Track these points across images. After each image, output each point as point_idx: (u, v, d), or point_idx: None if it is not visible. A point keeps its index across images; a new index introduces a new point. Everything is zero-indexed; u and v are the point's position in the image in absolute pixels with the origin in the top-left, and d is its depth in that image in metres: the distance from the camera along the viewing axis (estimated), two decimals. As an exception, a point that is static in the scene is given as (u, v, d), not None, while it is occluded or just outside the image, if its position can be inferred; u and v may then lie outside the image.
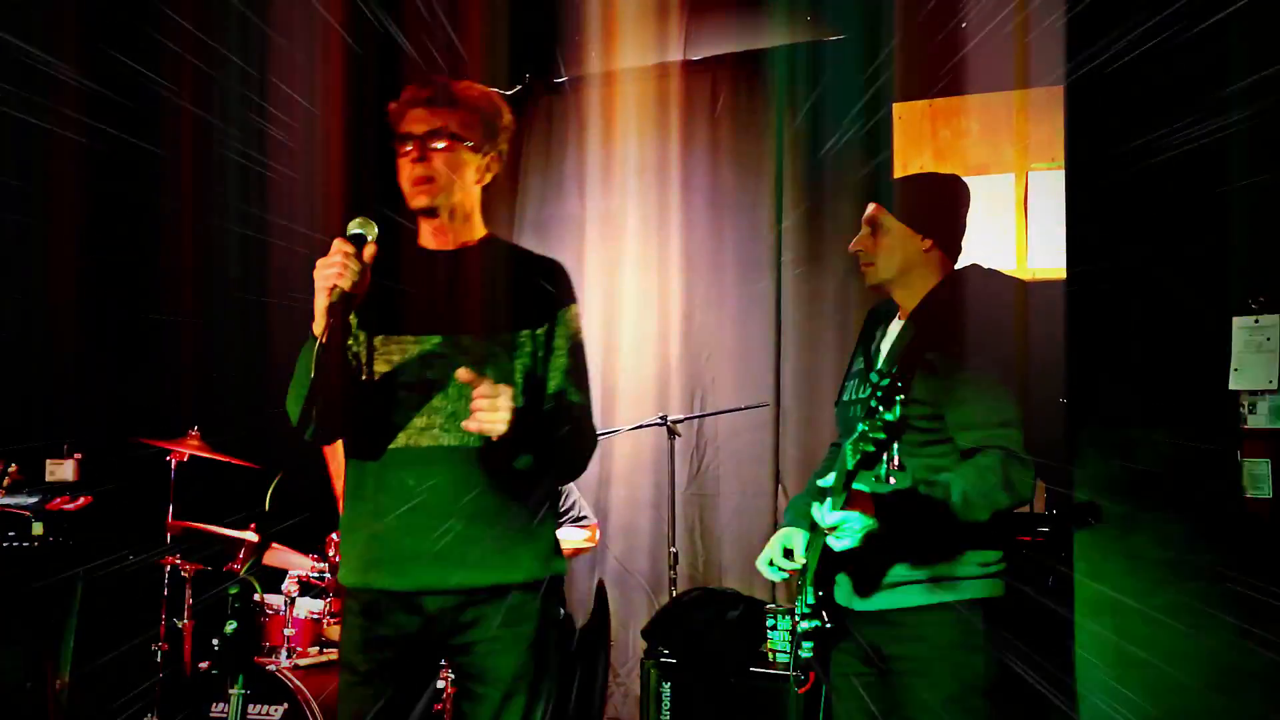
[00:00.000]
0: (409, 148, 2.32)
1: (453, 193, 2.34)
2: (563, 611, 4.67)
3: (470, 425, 2.16)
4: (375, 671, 2.30)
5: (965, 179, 2.65)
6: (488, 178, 2.42)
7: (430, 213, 2.36)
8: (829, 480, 2.27)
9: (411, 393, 2.29)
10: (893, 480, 2.07)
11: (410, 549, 2.26)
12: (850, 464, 2.12)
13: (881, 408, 2.02)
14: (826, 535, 2.31)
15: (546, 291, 2.37)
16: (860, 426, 2.07)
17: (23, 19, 4.41)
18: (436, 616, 2.29)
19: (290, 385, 2.31)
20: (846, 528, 2.25)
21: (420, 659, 2.35)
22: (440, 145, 2.31)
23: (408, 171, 2.33)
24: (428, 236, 2.41)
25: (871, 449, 2.05)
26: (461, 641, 2.30)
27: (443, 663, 2.84)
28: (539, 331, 2.34)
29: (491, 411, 2.13)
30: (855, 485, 2.22)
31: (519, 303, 2.35)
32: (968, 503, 2.27)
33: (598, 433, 2.56)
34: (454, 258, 2.39)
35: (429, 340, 2.31)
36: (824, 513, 2.27)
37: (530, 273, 2.40)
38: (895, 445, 2.03)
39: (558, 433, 2.33)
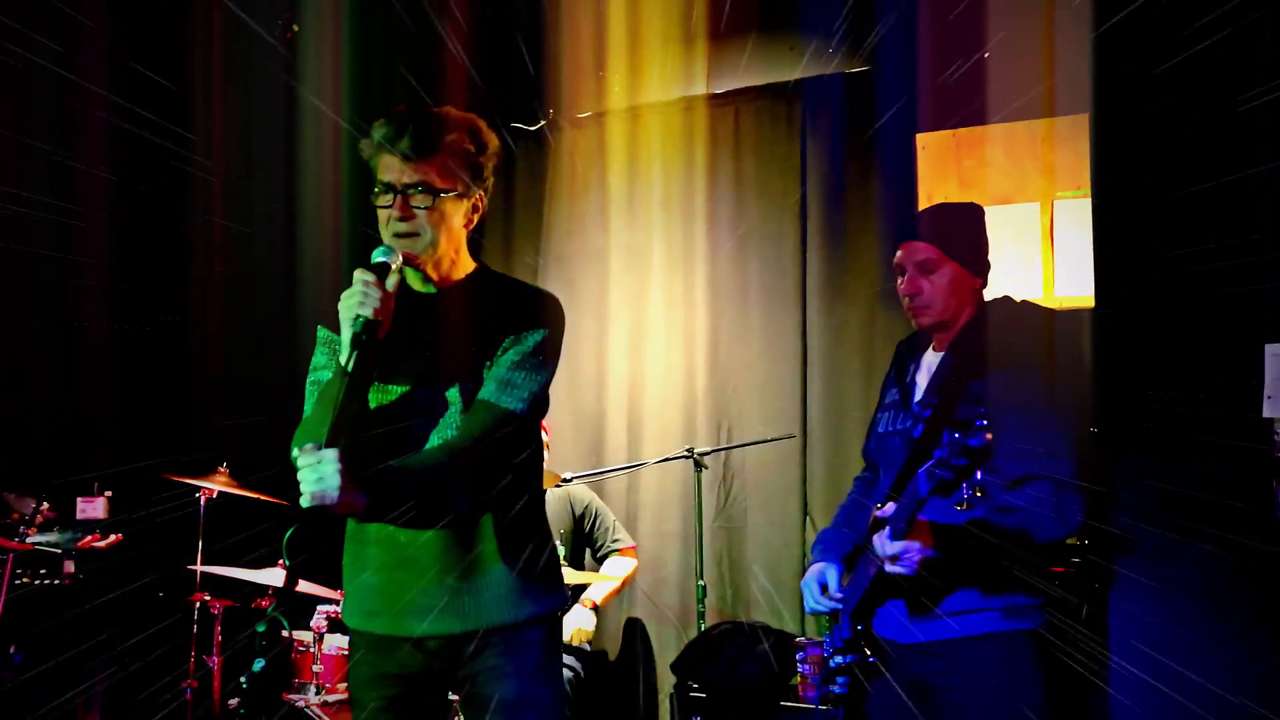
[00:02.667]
0: (388, 200, 2.23)
1: (438, 245, 2.26)
2: (588, 646, 4.65)
3: (304, 502, 2.00)
4: (385, 708, 2.30)
5: (991, 208, 2.64)
6: (475, 219, 2.33)
7: (414, 263, 2.27)
8: (889, 510, 2.26)
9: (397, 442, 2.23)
10: (966, 508, 2.05)
11: (407, 603, 2.25)
12: (924, 491, 2.10)
13: (959, 434, 2.01)
14: (880, 566, 2.29)
15: (520, 318, 2.27)
16: (938, 453, 2.05)
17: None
18: (438, 653, 2.29)
19: (303, 423, 2.27)
20: (906, 558, 2.24)
21: (427, 693, 2.35)
22: (424, 204, 2.22)
23: (389, 225, 2.25)
24: (411, 276, 2.33)
25: (950, 476, 2.03)
26: (465, 673, 2.30)
27: (453, 697, 2.85)
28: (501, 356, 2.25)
29: (315, 482, 1.98)
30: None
31: (496, 335, 2.26)
32: (1024, 533, 2.26)
33: (540, 443, 2.39)
34: (437, 299, 2.33)
35: (408, 388, 2.26)
36: (884, 542, 2.26)
37: (514, 303, 2.31)
38: (978, 473, 2.01)
39: (477, 437, 2.18)
